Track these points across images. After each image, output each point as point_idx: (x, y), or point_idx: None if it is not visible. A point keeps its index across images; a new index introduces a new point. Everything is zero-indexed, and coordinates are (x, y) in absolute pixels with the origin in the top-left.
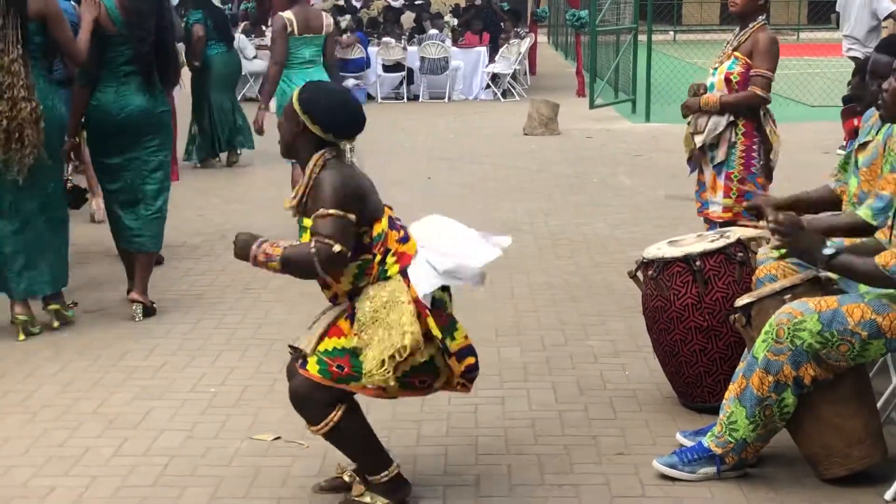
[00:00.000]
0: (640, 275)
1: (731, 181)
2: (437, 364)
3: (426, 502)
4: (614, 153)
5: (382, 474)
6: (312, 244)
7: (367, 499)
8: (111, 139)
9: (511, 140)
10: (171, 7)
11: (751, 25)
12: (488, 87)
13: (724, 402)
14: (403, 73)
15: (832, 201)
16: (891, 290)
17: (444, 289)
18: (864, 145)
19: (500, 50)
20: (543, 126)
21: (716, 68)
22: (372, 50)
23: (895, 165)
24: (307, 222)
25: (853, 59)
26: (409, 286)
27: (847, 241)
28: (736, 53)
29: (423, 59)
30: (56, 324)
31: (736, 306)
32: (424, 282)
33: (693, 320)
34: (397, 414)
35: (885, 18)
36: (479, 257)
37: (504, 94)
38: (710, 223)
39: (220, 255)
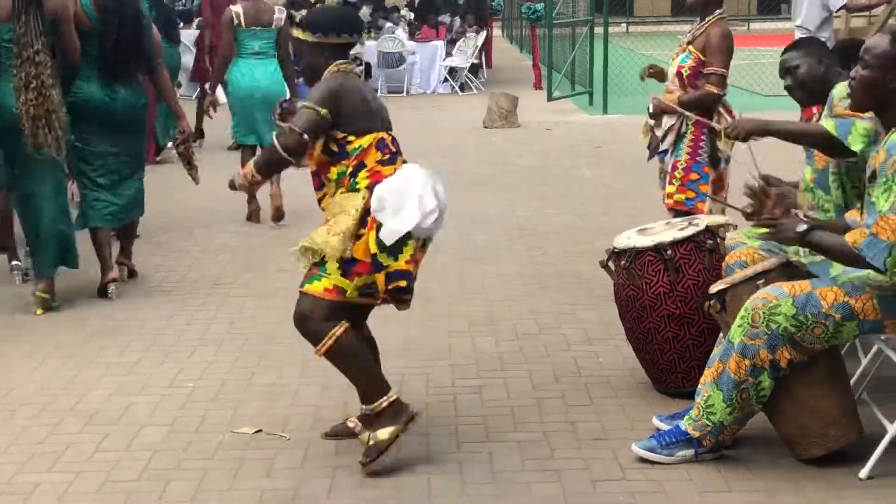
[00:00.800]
0: (611, 264)
1: (676, 169)
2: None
3: (411, 490)
4: (574, 145)
5: (382, 400)
6: (286, 129)
7: (379, 438)
8: (96, 129)
9: (472, 133)
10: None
11: (707, 19)
12: (446, 80)
13: (700, 386)
14: (361, 68)
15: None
16: (861, 273)
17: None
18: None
19: (457, 43)
20: (503, 119)
21: (673, 59)
22: None
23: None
24: None
25: None
26: (367, 198)
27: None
28: (690, 47)
29: (380, 53)
30: (39, 311)
31: (710, 293)
32: (382, 204)
33: (665, 308)
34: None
35: (839, 10)
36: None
37: (462, 88)
38: (676, 213)
39: (188, 251)
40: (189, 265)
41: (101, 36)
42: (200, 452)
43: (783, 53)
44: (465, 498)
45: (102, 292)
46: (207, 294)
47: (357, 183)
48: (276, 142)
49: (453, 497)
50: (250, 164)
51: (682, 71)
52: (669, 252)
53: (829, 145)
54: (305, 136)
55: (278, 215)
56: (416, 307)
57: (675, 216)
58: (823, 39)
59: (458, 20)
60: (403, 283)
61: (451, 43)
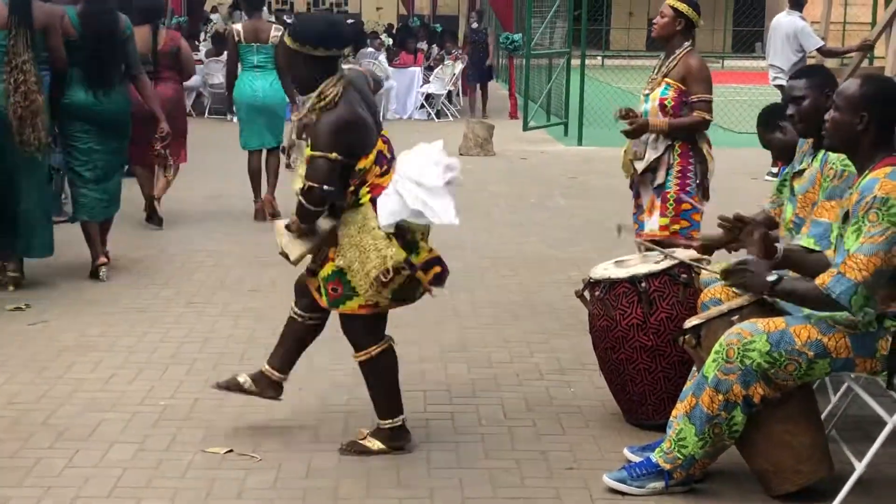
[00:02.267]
0: (586, 294)
1: (667, 201)
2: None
3: None
4: (549, 175)
5: (391, 420)
6: (304, 189)
7: (368, 443)
8: (84, 130)
9: None
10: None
11: (677, 52)
12: (422, 107)
13: (672, 419)
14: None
15: (768, 225)
16: (835, 313)
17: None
18: (799, 173)
19: (434, 70)
20: (479, 147)
21: (647, 94)
22: None
23: (831, 193)
24: (307, 151)
25: (779, 87)
26: (374, 212)
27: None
28: (667, 80)
29: None
30: (11, 287)
31: (685, 328)
32: (387, 211)
33: (638, 340)
34: (349, 427)
35: (811, 52)
36: (440, 213)
37: (438, 115)
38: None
39: (162, 269)
40: (164, 283)
41: (84, 46)
42: (171, 471)
43: (790, 79)
44: None
45: (94, 274)
46: (181, 312)
47: (360, 199)
48: (304, 201)
49: None
50: (296, 219)
51: (666, 102)
52: (644, 284)
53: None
54: (326, 188)
55: (274, 217)
56: (387, 333)
57: (646, 249)
58: None
59: (435, 48)
60: (439, 269)
61: (429, 70)
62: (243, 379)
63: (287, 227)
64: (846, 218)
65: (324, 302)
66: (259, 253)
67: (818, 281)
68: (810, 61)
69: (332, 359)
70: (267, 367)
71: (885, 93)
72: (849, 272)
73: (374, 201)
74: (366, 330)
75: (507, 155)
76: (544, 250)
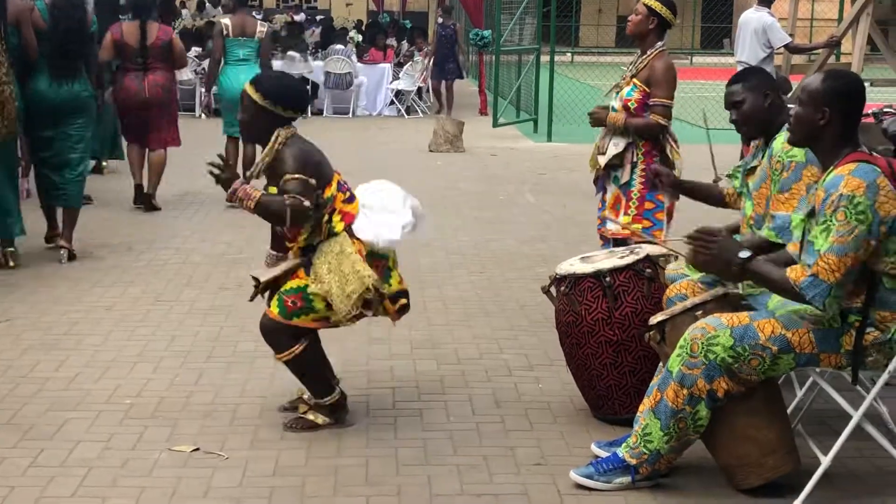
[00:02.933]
0: (553, 290)
1: (630, 199)
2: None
3: None
4: (519, 171)
5: (327, 399)
6: (287, 199)
7: (311, 416)
8: (46, 117)
9: (417, 156)
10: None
11: (649, 52)
12: (392, 103)
13: (638, 414)
14: (308, 88)
15: (715, 196)
16: (799, 307)
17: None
18: (752, 170)
19: (404, 67)
20: (449, 143)
21: (616, 92)
22: (276, 63)
23: (782, 185)
24: (272, 189)
25: None
26: (353, 241)
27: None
28: (634, 80)
29: (327, 73)
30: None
31: (650, 324)
32: (369, 235)
33: (603, 334)
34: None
35: (779, 48)
36: (392, 233)
37: (408, 111)
38: (606, 241)
39: (129, 267)
40: (130, 280)
41: (51, 38)
42: (137, 470)
43: (728, 85)
44: None
45: (50, 240)
46: (148, 311)
47: (334, 227)
48: (287, 211)
49: None
50: (255, 199)
51: (629, 104)
52: (608, 279)
53: (775, 247)
54: (306, 204)
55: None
56: (357, 329)
57: (614, 245)
58: None
59: (405, 44)
60: (405, 301)
61: (399, 66)
62: (307, 396)
63: (235, 190)
64: (812, 214)
65: (273, 311)
66: (227, 251)
67: (791, 275)
68: (777, 58)
69: None
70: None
71: (848, 87)
72: (822, 273)
73: (347, 230)
74: (291, 334)
75: (476, 151)
76: (514, 247)
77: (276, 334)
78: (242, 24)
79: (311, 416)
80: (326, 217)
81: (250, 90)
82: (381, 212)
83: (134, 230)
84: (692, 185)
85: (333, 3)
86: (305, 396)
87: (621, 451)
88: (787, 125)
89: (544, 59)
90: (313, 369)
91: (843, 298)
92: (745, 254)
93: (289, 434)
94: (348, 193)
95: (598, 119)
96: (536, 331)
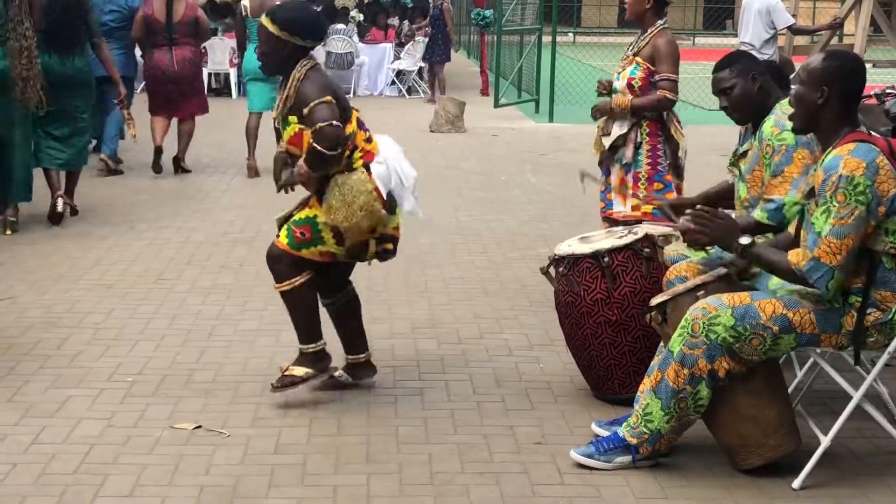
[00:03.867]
0: (551, 271)
1: (638, 180)
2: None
3: (349, 489)
4: (520, 152)
5: (311, 345)
6: (314, 130)
7: (293, 370)
8: (57, 91)
9: (418, 137)
10: None
11: (650, 31)
12: (393, 83)
13: (638, 394)
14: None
15: (732, 195)
16: (800, 287)
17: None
18: (743, 154)
19: (405, 47)
20: (450, 124)
21: (619, 73)
22: None
23: (775, 169)
24: (292, 119)
25: None
26: (370, 177)
27: (753, 189)
28: (637, 59)
29: (329, 53)
30: (9, 232)
31: (651, 305)
32: (383, 182)
33: (602, 315)
34: (319, 403)
35: (782, 29)
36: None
37: (409, 91)
38: (613, 223)
39: (130, 245)
40: (132, 259)
41: (51, 14)
42: (139, 447)
43: (714, 71)
44: (403, 499)
45: (52, 216)
46: (149, 289)
47: (353, 163)
48: (316, 144)
49: (391, 498)
50: (303, 165)
51: (633, 83)
52: (607, 259)
53: (767, 228)
54: (335, 122)
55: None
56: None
57: (611, 225)
58: (767, 56)
59: (406, 23)
60: (391, 246)
61: (400, 46)
62: (339, 373)
63: (285, 181)
64: (811, 194)
65: (282, 241)
66: (228, 230)
67: (792, 258)
68: (781, 39)
69: None
70: (349, 356)
71: (847, 66)
72: (824, 256)
73: (366, 167)
74: (294, 264)
75: (478, 132)
76: (514, 227)
77: (280, 263)
78: (261, 5)
79: (293, 371)
80: (347, 152)
81: (267, 22)
82: (398, 161)
83: (136, 209)
84: (709, 195)
85: None
86: (340, 376)
87: (622, 431)
88: (778, 109)
89: (546, 39)
90: (306, 308)
91: (845, 280)
92: (745, 240)
93: (290, 412)
94: (368, 133)
95: (602, 111)
96: (537, 311)
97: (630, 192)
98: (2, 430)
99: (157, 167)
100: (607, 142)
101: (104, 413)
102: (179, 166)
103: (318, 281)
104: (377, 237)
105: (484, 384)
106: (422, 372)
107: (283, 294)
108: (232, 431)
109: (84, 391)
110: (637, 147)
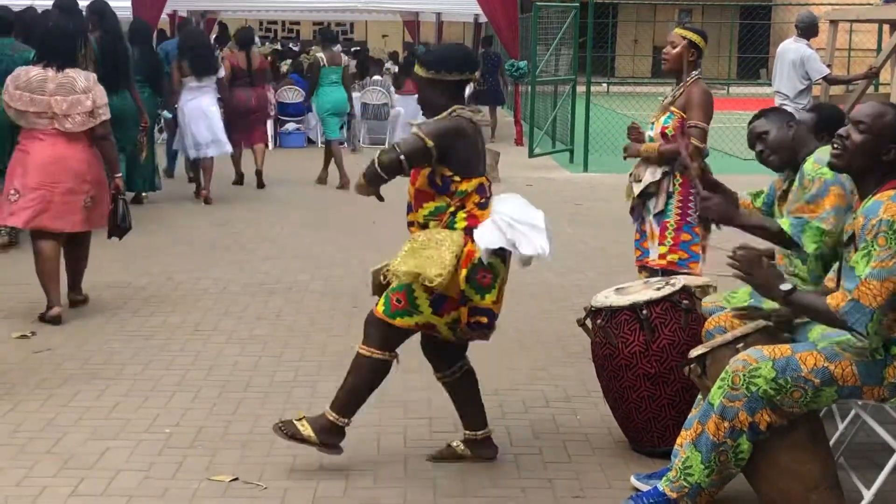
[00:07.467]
0: (588, 323)
1: (666, 230)
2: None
3: None
4: (555, 202)
5: (338, 416)
6: (387, 149)
7: (301, 426)
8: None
9: None
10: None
11: (685, 80)
12: None
13: (678, 447)
14: (345, 119)
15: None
16: (842, 339)
17: (503, 259)
18: (784, 195)
19: None
20: None
21: (653, 123)
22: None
23: (810, 199)
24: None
25: None
26: (466, 244)
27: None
28: (672, 108)
29: (364, 104)
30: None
31: (690, 357)
32: (485, 241)
33: (641, 367)
34: (355, 455)
35: (817, 80)
36: (530, 245)
37: None
38: (649, 272)
39: (168, 296)
40: (170, 310)
41: (101, 61)
42: (177, 499)
43: (750, 123)
44: None
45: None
46: (187, 340)
47: (455, 223)
48: (376, 157)
49: None
50: (360, 176)
51: (667, 131)
52: (645, 311)
53: (785, 240)
54: (402, 158)
55: (259, 183)
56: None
57: (649, 275)
58: (802, 106)
59: None
60: (484, 320)
61: None
62: (456, 444)
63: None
64: (851, 240)
65: (379, 309)
66: (265, 280)
67: (831, 302)
68: (815, 89)
69: (336, 386)
70: (466, 432)
71: None
72: (863, 298)
73: (468, 231)
74: (387, 336)
75: (513, 182)
76: (550, 278)
77: (372, 326)
78: (332, 57)
79: (304, 428)
80: (453, 209)
81: (418, 69)
82: (523, 224)
83: (173, 259)
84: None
85: (370, 34)
86: (457, 447)
87: (661, 485)
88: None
89: (580, 89)
90: (366, 383)
91: (886, 325)
92: (786, 286)
93: (326, 465)
94: (484, 200)
95: (631, 153)
96: (574, 362)
97: (657, 240)
98: (41, 481)
99: (239, 182)
100: (637, 188)
101: (142, 465)
102: (261, 180)
103: (433, 352)
104: (470, 306)
105: (521, 436)
106: (458, 424)
107: (357, 355)
108: (269, 484)
109: (122, 442)
110: (668, 196)
